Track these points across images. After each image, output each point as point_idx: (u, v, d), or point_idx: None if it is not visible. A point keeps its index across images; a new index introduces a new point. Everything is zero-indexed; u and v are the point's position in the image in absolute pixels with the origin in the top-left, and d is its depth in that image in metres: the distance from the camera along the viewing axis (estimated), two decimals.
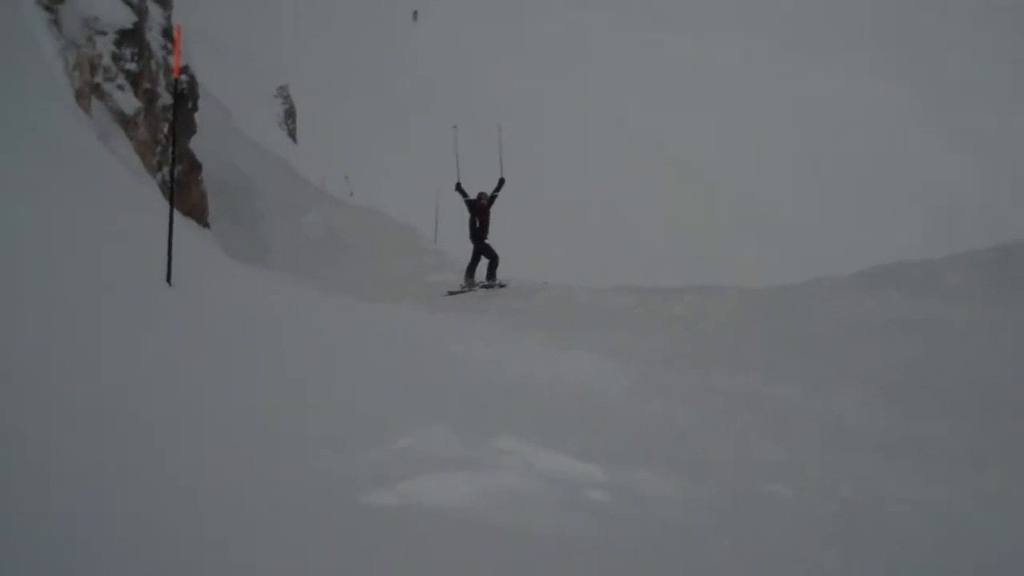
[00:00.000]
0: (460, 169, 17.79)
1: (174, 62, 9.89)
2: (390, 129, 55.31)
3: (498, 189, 17.33)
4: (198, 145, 19.61)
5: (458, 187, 17.31)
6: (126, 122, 15.21)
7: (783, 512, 6.09)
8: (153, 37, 16.65)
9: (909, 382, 9.29)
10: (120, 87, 15.32)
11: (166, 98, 16.70)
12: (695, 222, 53.64)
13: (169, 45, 17.27)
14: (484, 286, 17.29)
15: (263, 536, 4.90)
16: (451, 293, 17.14)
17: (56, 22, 13.92)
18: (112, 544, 4.47)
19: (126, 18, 15.48)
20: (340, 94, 57.58)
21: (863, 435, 8.03)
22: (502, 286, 17.27)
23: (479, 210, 17.24)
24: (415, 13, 71.99)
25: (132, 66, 15.54)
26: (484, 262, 17.49)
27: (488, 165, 18.50)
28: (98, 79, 14.81)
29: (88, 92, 14.27)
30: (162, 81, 16.67)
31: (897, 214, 60.04)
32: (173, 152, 10.33)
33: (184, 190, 17.77)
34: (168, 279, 8.96)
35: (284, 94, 49.97)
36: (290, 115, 49.71)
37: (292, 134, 48.83)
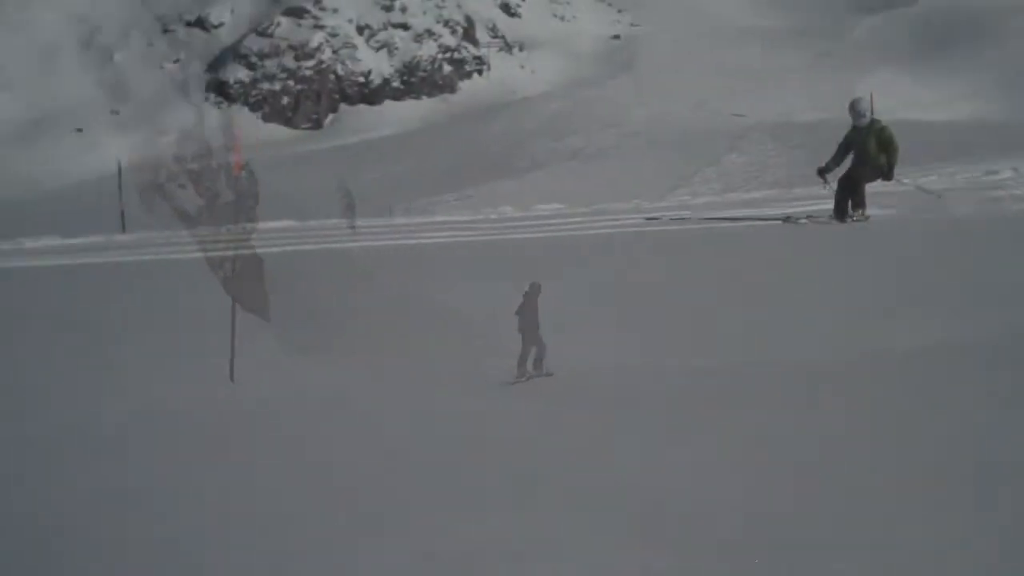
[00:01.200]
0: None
1: (234, 159, 10.05)
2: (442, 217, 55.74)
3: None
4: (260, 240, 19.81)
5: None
6: (188, 220, 15.42)
7: None
8: (214, 135, 16.91)
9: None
10: (182, 186, 15.57)
11: (228, 195, 16.89)
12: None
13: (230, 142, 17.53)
14: (532, 376, 17.22)
15: None
16: (504, 384, 17.02)
17: (120, 123, 14.27)
18: None
19: (188, 117, 15.80)
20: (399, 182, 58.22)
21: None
22: (548, 375, 17.21)
23: (530, 303, 17.27)
24: None
25: (193, 165, 15.80)
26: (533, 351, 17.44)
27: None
28: (160, 179, 15.07)
29: (151, 191, 14.53)
30: (223, 178, 16.89)
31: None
32: (235, 248, 10.43)
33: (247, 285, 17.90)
34: (231, 376, 9.00)
35: (344, 188, 50.59)
36: (350, 208, 50.25)
37: (352, 225, 49.27)
